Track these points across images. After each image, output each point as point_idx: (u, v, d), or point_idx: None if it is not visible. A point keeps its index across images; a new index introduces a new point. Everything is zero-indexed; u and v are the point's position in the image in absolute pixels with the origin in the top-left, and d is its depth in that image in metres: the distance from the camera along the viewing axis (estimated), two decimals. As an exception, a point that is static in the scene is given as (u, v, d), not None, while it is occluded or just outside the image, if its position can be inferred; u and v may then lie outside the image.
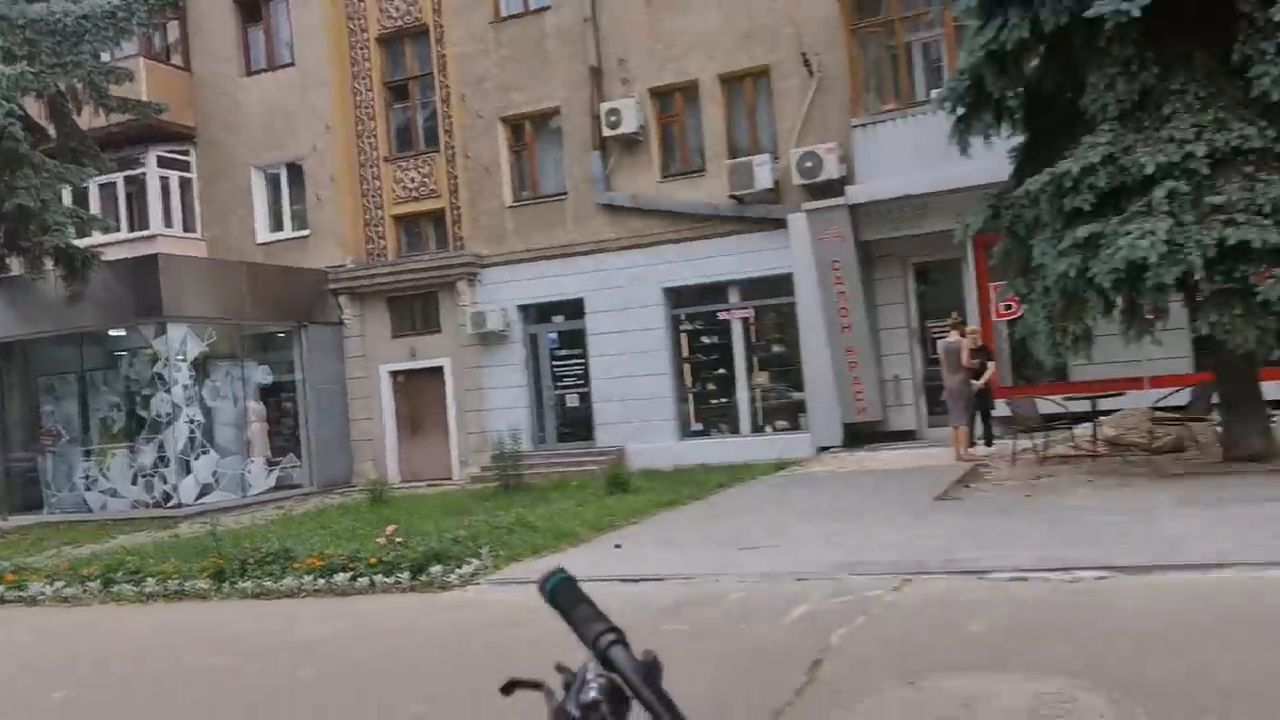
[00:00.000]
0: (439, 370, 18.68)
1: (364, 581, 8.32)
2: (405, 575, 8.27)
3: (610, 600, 1.21)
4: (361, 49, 19.41)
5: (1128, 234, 9.15)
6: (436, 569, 8.27)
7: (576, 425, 18.07)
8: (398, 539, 9.00)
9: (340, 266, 19.05)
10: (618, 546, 9.14)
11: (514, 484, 14.98)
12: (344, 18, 19.47)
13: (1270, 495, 8.37)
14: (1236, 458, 10.46)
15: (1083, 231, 9.56)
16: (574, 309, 17.87)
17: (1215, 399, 11.13)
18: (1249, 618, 5.20)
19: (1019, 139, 11.78)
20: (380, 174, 19.33)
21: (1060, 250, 9.81)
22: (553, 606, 1.10)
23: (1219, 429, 11.10)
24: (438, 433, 18.77)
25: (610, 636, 1.03)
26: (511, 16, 18.48)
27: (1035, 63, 10.87)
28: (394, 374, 19.08)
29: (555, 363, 18.28)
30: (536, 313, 18.34)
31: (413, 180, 19.16)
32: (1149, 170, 9.30)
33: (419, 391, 18.92)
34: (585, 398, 17.88)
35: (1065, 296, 10.03)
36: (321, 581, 8.43)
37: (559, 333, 18.26)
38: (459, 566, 8.31)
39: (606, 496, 12.64)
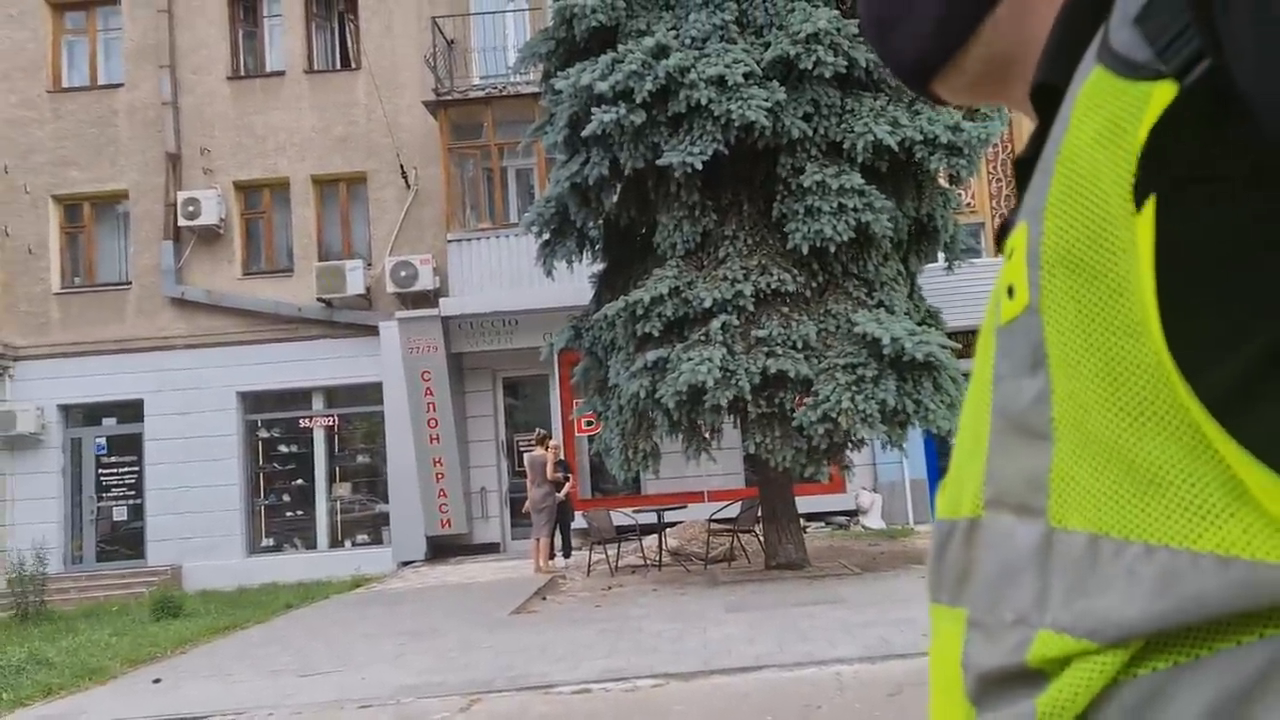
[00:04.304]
0: (-53, 478, 15.69)
1: None
2: None
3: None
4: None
5: (689, 360, 10.02)
6: (-94, 724, 6.71)
7: (124, 542, 15.96)
8: None
9: None
10: (157, 681, 8.02)
11: (35, 611, 12.74)
12: None
13: (801, 600, 9.33)
14: (777, 565, 11.61)
15: (652, 355, 10.33)
16: (130, 411, 15.98)
17: (760, 512, 12.34)
18: (776, 710, 5.64)
19: (599, 266, 12.59)
20: (-114, 242, 16.27)
21: (632, 372, 10.51)
22: None
23: (762, 539, 12.29)
24: (-61, 554, 15.61)
25: None
26: (76, 88, 16.72)
27: (615, 198, 11.75)
28: (-118, 482, 15.71)
29: (102, 471, 16.11)
30: (82, 414, 16.16)
31: (-70, 254, 16.33)
32: (707, 304, 10.32)
33: (-84, 503, 15.71)
34: (138, 510, 15.90)
35: (636, 415, 10.72)
36: None
37: (109, 437, 16.17)
38: (-61, 718, 6.81)
39: (152, 623, 11.16)
